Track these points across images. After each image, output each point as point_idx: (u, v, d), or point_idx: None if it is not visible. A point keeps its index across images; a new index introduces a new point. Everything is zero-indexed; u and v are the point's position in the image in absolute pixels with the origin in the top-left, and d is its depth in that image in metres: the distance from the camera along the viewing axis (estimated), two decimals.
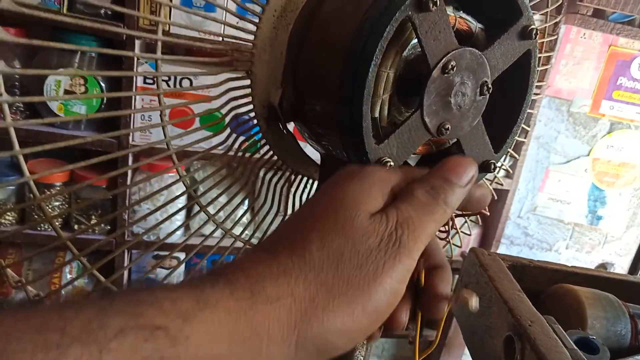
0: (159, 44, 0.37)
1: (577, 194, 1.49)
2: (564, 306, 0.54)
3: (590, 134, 1.44)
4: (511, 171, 1.36)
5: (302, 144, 0.49)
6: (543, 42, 0.72)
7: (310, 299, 0.26)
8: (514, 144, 0.45)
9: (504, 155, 0.76)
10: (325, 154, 0.46)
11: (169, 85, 1.14)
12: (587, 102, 1.40)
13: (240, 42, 0.42)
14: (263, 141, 0.46)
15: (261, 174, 0.51)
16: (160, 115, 0.39)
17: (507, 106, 0.44)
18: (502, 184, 0.73)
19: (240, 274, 0.26)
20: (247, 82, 0.43)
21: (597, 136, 1.44)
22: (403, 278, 0.28)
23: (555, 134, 1.43)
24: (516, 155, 1.07)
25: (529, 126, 1.31)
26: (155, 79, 1.12)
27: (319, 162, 0.48)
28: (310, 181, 0.53)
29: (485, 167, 0.43)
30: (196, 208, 0.51)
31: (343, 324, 0.26)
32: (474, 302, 0.31)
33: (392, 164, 0.37)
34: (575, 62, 1.35)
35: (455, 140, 0.42)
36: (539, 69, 1.14)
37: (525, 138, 1.31)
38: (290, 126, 0.47)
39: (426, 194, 0.30)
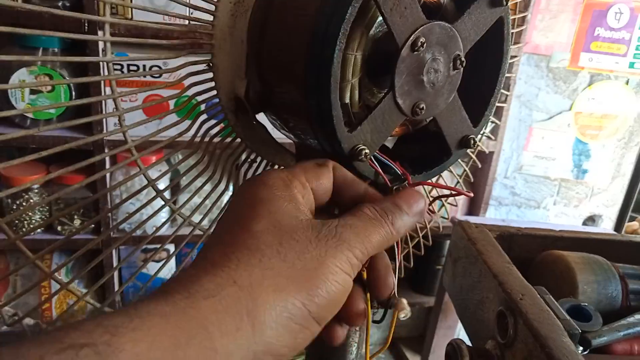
0: (107, 26, 0.34)
1: (561, 150, 1.49)
2: (555, 273, 0.54)
3: (570, 88, 1.43)
4: (492, 136, 1.35)
5: (276, 133, 0.47)
6: (516, 2, 0.70)
7: (258, 283, 0.24)
8: (492, 115, 0.44)
9: (484, 127, 0.75)
10: (299, 142, 0.45)
11: (139, 77, 1.10)
12: (565, 56, 1.39)
13: (198, 33, 0.40)
14: (233, 134, 0.44)
15: (234, 168, 0.49)
16: (119, 121, 0.37)
17: (483, 78, 0.43)
18: (485, 151, 0.71)
19: (173, 281, 0.25)
20: (210, 75, 0.41)
21: (578, 90, 1.43)
22: (347, 268, 0.27)
23: (536, 91, 1.42)
24: (497, 121, 1.06)
25: (508, 89, 1.30)
26: (121, 67, 1.08)
27: (294, 150, 0.46)
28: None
29: (464, 143, 0.42)
30: (183, 199, 0.50)
31: (294, 306, 0.25)
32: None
33: (367, 151, 0.35)
34: (552, 16, 1.32)
35: (432, 118, 0.41)
36: (515, 30, 1.12)
37: (505, 102, 1.29)
38: (262, 116, 0.45)
39: (374, 211, 0.30)
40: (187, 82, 0.42)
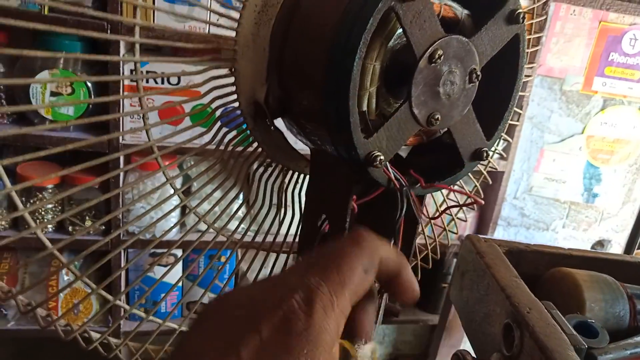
0: (137, 46, 0.36)
1: (572, 173, 1.49)
2: (562, 290, 0.54)
3: (583, 112, 1.43)
4: (504, 154, 1.35)
5: (292, 139, 0.48)
6: (532, 23, 0.71)
7: None
8: (505, 130, 0.45)
9: (497, 141, 0.76)
10: (314, 148, 0.46)
11: (156, 83, 1.12)
12: (579, 80, 1.39)
13: (222, 39, 0.41)
14: (251, 138, 0.45)
15: (252, 170, 0.50)
16: (143, 119, 0.38)
17: (497, 92, 0.43)
18: (496, 168, 0.72)
19: None
20: (232, 79, 0.42)
21: (591, 113, 1.44)
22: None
23: (548, 113, 1.42)
24: (509, 139, 1.06)
25: (521, 108, 1.30)
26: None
27: (309, 157, 0.47)
28: (302, 176, 0.52)
29: (477, 155, 0.43)
30: (196, 201, 0.51)
31: None
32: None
33: (382, 157, 0.36)
34: (566, 39, 1.33)
35: (446, 129, 0.42)
36: (529, 50, 1.13)
37: (518, 121, 1.30)
38: (279, 122, 0.46)
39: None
40: (208, 86, 0.43)
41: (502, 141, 1.31)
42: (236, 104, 0.43)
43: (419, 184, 0.39)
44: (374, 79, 0.37)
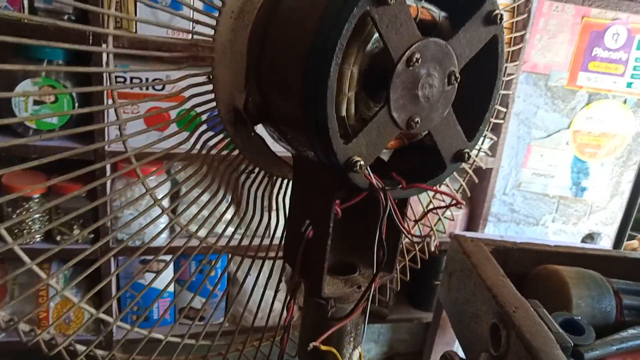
0: (110, 38, 0.35)
1: (560, 167, 1.50)
2: (549, 287, 0.54)
3: (569, 107, 1.44)
4: (490, 153, 1.36)
5: (277, 148, 0.48)
6: (514, 22, 0.71)
7: None
8: (486, 130, 0.45)
9: (481, 140, 0.76)
10: (296, 154, 0.45)
11: (141, 89, 1.11)
12: (564, 75, 1.40)
13: (200, 47, 0.41)
14: (232, 146, 0.45)
15: (235, 176, 0.50)
16: (120, 130, 0.38)
17: (477, 93, 0.43)
18: (481, 167, 0.72)
19: None
20: (210, 87, 0.42)
21: (576, 108, 1.44)
22: None
23: (534, 109, 1.43)
24: (494, 137, 1.06)
25: (507, 106, 1.31)
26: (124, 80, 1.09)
27: (291, 162, 0.47)
28: (286, 181, 0.52)
29: (459, 157, 0.43)
30: (180, 208, 0.51)
31: None
32: None
33: (362, 163, 0.36)
34: (550, 35, 1.34)
35: (427, 132, 0.42)
36: (514, 48, 1.14)
37: (504, 118, 1.30)
38: (261, 128, 0.46)
39: None
40: (187, 94, 0.43)
41: (487, 139, 1.32)
42: (216, 112, 0.43)
43: (400, 186, 0.39)
44: (352, 84, 0.37)
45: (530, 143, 1.46)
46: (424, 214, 0.43)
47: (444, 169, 0.42)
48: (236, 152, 0.46)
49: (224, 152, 0.47)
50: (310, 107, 0.34)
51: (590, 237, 1.65)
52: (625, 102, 1.46)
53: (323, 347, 0.39)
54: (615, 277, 0.57)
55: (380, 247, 0.39)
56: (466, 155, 0.42)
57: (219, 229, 0.52)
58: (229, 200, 0.52)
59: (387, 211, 0.37)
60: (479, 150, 0.69)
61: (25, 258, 0.38)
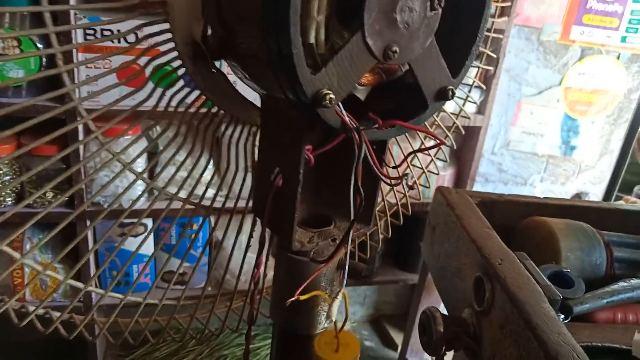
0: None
1: (550, 126, 1.47)
2: (537, 240, 0.51)
3: (561, 63, 1.39)
4: (476, 101, 1.31)
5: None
6: None
7: None
8: (471, 66, 0.40)
9: (470, 87, 0.72)
10: (264, 95, 0.41)
11: (112, 43, 1.05)
12: (557, 29, 1.35)
13: None
14: (192, 85, 0.41)
15: (202, 128, 0.45)
16: (69, 75, 0.33)
17: (463, 25, 0.39)
18: (468, 118, 0.68)
19: None
20: (165, 16, 0.37)
21: (569, 64, 1.40)
22: None
23: (526, 65, 1.38)
24: (482, 86, 1.01)
25: (498, 62, 1.26)
26: (94, 32, 1.03)
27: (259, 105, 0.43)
28: (255, 128, 0.48)
29: (442, 95, 0.38)
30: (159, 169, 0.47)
31: None
32: None
33: (332, 96, 0.32)
34: None
35: (408, 67, 0.38)
36: (505, 4, 1.07)
37: (495, 72, 1.26)
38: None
39: None
40: (143, 33, 0.38)
41: (479, 91, 1.27)
42: (171, 45, 0.38)
43: (376, 126, 0.35)
44: (322, 6, 0.33)
45: (520, 100, 1.42)
46: (405, 158, 0.39)
47: (426, 108, 0.38)
48: (197, 93, 0.41)
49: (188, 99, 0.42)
50: (272, 30, 0.30)
51: (578, 197, 1.63)
52: (618, 57, 1.41)
53: (301, 297, 0.36)
54: (606, 230, 0.54)
55: (357, 193, 0.36)
56: (450, 93, 0.38)
57: (200, 190, 0.49)
58: (200, 152, 0.48)
59: (362, 152, 0.33)
60: (465, 99, 0.65)
61: (14, 254, 0.36)
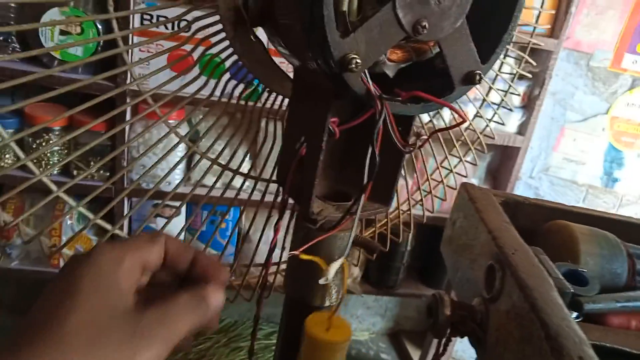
0: None
1: (592, 155, 1.43)
2: (558, 242, 0.50)
3: (609, 91, 1.36)
4: (518, 127, 1.30)
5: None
6: None
7: None
8: (502, 54, 0.41)
9: (513, 78, 0.72)
10: (299, 66, 0.43)
11: (166, 28, 1.10)
12: (608, 56, 1.32)
13: None
14: (230, 50, 0.43)
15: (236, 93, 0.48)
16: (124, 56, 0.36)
17: (497, 12, 0.40)
18: (493, 137, 0.68)
19: None
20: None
21: (617, 93, 1.37)
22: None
23: (572, 90, 1.36)
24: (527, 75, 0.98)
25: (543, 82, 1.24)
26: (150, 17, 1.08)
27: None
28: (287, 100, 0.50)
29: (469, 79, 0.39)
30: (196, 158, 0.50)
31: None
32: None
33: (358, 60, 0.33)
34: (598, 11, 1.26)
35: (438, 49, 0.38)
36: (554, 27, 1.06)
37: (539, 93, 1.24)
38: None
39: (189, 298, 0.30)
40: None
41: (522, 112, 1.26)
42: (214, 10, 0.40)
43: (399, 98, 0.36)
44: None
45: (564, 125, 1.39)
46: (430, 134, 0.40)
47: (452, 90, 0.39)
48: (235, 58, 0.43)
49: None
50: None
51: None
52: None
53: (303, 256, 0.37)
54: (633, 244, 0.53)
55: (373, 160, 0.37)
56: (477, 77, 0.39)
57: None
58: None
59: (382, 117, 0.34)
60: (495, 111, 0.65)
61: (52, 186, 0.40)
